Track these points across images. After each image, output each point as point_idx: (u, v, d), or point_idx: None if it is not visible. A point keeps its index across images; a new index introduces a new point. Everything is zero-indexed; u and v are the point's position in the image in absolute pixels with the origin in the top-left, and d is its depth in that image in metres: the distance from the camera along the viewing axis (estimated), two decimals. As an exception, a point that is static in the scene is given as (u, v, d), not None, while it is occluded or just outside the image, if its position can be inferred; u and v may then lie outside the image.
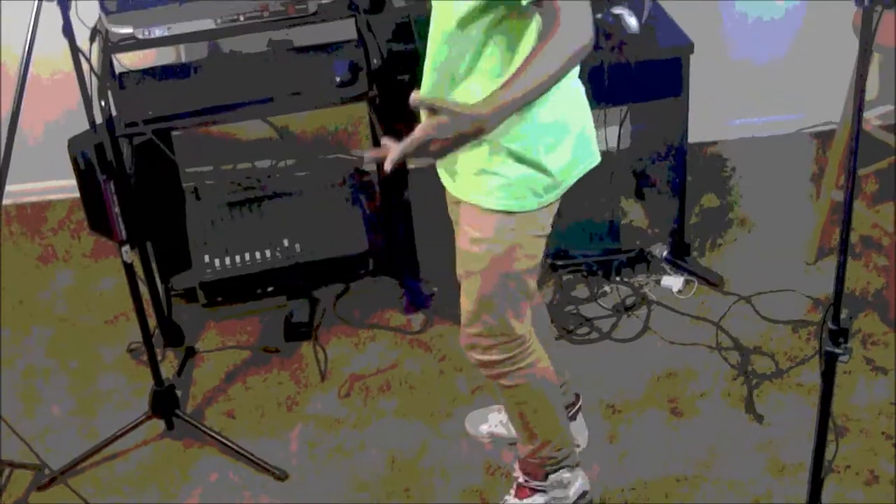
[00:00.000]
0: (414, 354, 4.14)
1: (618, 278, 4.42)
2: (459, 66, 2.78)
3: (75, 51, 3.13)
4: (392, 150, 2.45)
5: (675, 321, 4.22)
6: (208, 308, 4.30)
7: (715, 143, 5.10)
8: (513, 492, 3.51)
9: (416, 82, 2.94)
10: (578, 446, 3.71)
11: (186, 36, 3.89)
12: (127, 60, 4.13)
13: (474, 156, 2.88)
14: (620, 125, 4.73)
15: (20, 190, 4.70)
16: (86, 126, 3.35)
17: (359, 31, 4.08)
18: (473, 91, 2.76)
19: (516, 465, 3.50)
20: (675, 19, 4.19)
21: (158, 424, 3.84)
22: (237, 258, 4.18)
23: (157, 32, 3.84)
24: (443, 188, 3.12)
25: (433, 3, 2.76)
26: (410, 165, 4.01)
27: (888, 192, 4.49)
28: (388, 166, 2.44)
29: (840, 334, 2.57)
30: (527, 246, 3.03)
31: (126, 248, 3.50)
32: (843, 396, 3.81)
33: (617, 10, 4.05)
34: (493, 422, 3.78)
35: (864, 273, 4.34)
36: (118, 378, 4.15)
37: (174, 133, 4.31)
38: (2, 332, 4.35)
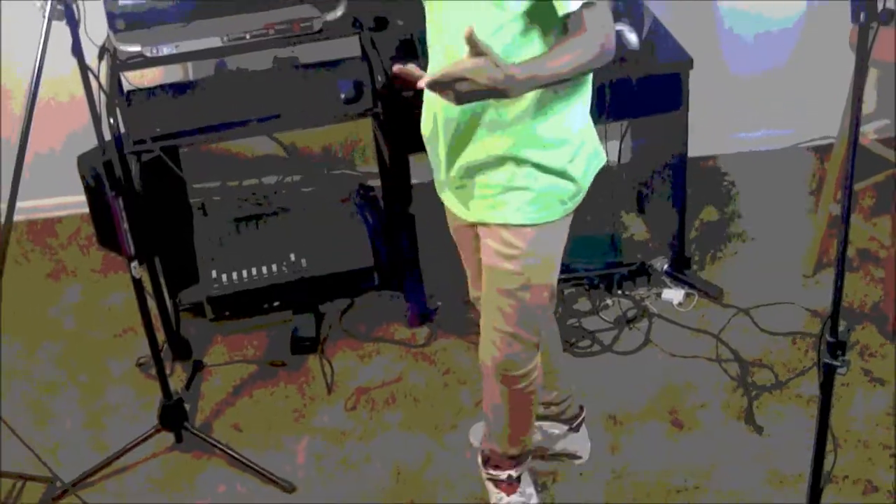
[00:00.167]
0: (418, 367, 4.14)
1: (619, 291, 4.42)
2: None
3: (84, 69, 3.13)
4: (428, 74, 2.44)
5: (676, 334, 4.22)
6: (216, 322, 4.31)
7: (714, 157, 5.11)
8: (502, 492, 3.51)
9: (419, 99, 2.94)
10: (580, 458, 3.72)
11: (193, 54, 3.91)
12: (135, 78, 4.14)
13: (499, 175, 2.89)
14: (621, 140, 4.74)
15: (30, 206, 4.71)
16: (95, 143, 3.36)
17: (363, 48, 4.10)
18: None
19: (501, 469, 3.50)
20: (674, 35, 4.19)
21: (167, 437, 3.84)
22: (244, 273, 4.19)
23: (165, 50, 3.86)
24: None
25: (449, 11, 2.72)
26: (414, 181, 4.02)
27: (885, 206, 4.49)
28: (422, 83, 2.43)
29: (838, 346, 2.57)
30: (558, 255, 3.07)
31: (135, 263, 3.51)
32: (842, 408, 3.81)
33: (618, 27, 4.05)
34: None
35: (861, 286, 4.34)
36: (127, 392, 4.15)
37: (182, 150, 4.31)
38: (13, 346, 4.36)
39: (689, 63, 4.05)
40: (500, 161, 2.87)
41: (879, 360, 4.01)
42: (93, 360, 4.31)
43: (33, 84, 2.84)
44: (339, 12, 3.92)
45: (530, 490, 3.54)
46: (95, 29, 3.46)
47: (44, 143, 4.04)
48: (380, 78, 3.92)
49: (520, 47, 2.69)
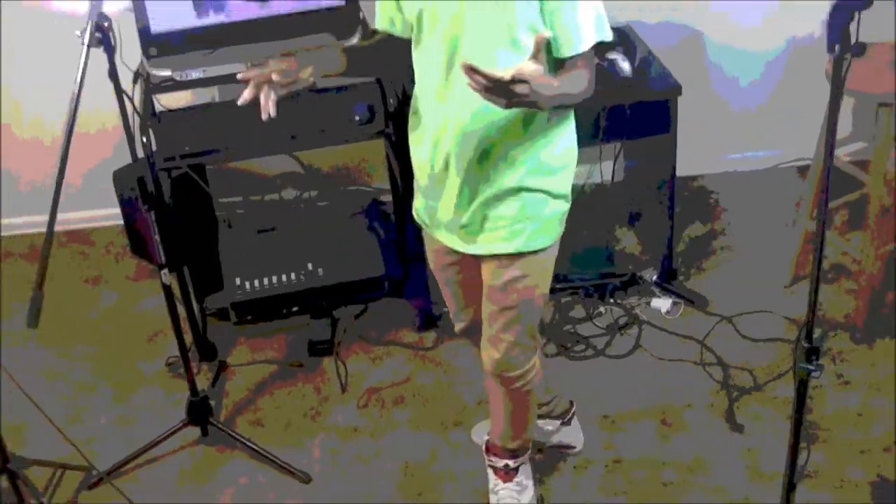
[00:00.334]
0: (426, 369, 4.14)
1: (611, 300, 4.42)
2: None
3: (120, 92, 3.14)
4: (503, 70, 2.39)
5: (664, 340, 4.22)
6: (239, 326, 4.31)
7: (701, 176, 5.10)
8: (499, 479, 3.52)
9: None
10: (574, 447, 3.72)
11: (220, 78, 3.91)
12: (166, 101, 4.15)
13: (510, 207, 2.88)
14: (615, 160, 4.74)
15: (70, 218, 4.72)
16: (129, 160, 3.36)
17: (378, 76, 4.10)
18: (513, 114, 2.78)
19: (499, 458, 3.51)
20: (664, 64, 4.20)
21: (194, 431, 3.85)
22: (265, 281, 4.20)
23: (194, 75, 3.87)
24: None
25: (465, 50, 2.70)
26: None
27: (858, 223, 4.49)
28: (509, 74, 2.39)
29: (813, 352, 2.58)
30: (553, 267, 3.08)
31: (165, 271, 3.51)
32: (815, 408, 3.82)
33: (612, 56, 4.07)
34: None
35: (835, 296, 4.34)
36: (157, 390, 4.16)
37: (208, 167, 4.32)
38: (53, 347, 4.36)
39: (678, 90, 4.06)
40: (511, 192, 2.87)
41: (850, 365, 4.01)
42: (126, 361, 4.32)
43: (73, 107, 2.85)
44: (354, 40, 3.93)
45: (527, 481, 3.54)
46: (130, 55, 3.48)
47: (82, 161, 4.04)
48: (391, 101, 3.93)
49: None
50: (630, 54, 4.10)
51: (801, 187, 4.51)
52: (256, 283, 4.19)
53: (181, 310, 3.94)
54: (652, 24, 4.53)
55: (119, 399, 4.13)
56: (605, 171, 4.77)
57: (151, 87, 3.90)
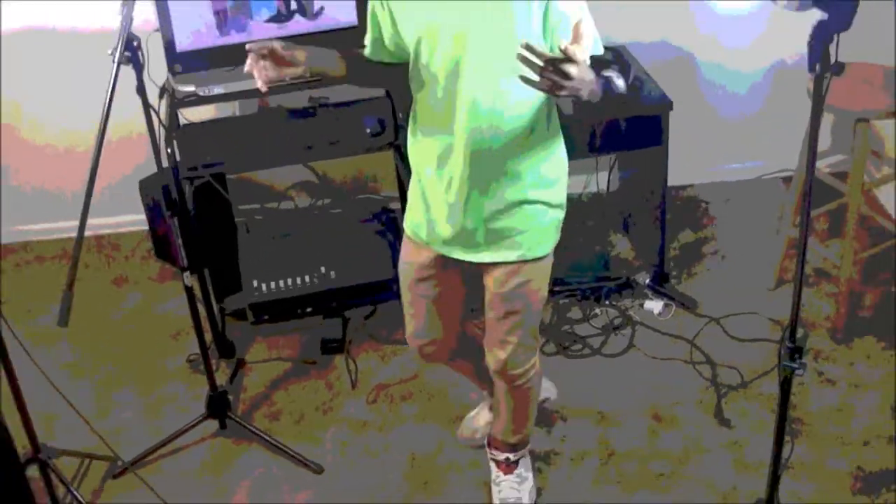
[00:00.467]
0: (432, 367, 4.12)
1: (607, 302, 4.42)
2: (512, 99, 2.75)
3: (147, 106, 3.15)
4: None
5: (656, 339, 4.22)
6: (256, 325, 4.31)
7: (691, 186, 5.11)
8: (501, 472, 3.53)
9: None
10: (549, 397, 3.82)
11: (240, 93, 3.92)
12: (189, 114, 4.17)
13: (514, 218, 2.89)
14: (610, 171, 4.75)
15: (98, 223, 4.71)
16: (154, 170, 3.38)
17: (387, 90, 4.10)
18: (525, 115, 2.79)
19: (500, 451, 3.52)
20: (657, 81, 4.21)
21: (213, 424, 3.86)
22: (281, 283, 4.21)
23: (216, 90, 3.88)
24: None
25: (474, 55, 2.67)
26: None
27: (837, 231, 4.50)
28: (582, 55, 2.39)
29: (796, 351, 2.59)
30: (551, 271, 3.08)
31: (187, 273, 3.53)
32: (798, 404, 3.82)
33: (607, 73, 4.07)
34: (480, 425, 3.77)
35: (816, 299, 4.34)
36: (179, 385, 4.17)
37: (229, 176, 4.33)
38: (81, 344, 4.37)
39: (670, 105, 4.07)
40: (515, 205, 2.87)
41: (830, 363, 4.01)
42: (150, 358, 4.33)
43: (103, 120, 2.86)
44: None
45: (527, 473, 3.55)
46: (156, 71, 3.49)
47: (111, 170, 4.04)
48: (401, 115, 3.94)
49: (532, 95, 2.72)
50: (625, 72, 4.11)
51: (784, 197, 4.52)
52: (273, 285, 4.21)
53: (202, 310, 3.95)
54: (645, 45, 4.54)
55: (143, 394, 4.14)
56: (601, 181, 4.79)
57: (176, 101, 3.92)
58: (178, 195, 3.46)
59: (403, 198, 4.38)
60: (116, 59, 2.87)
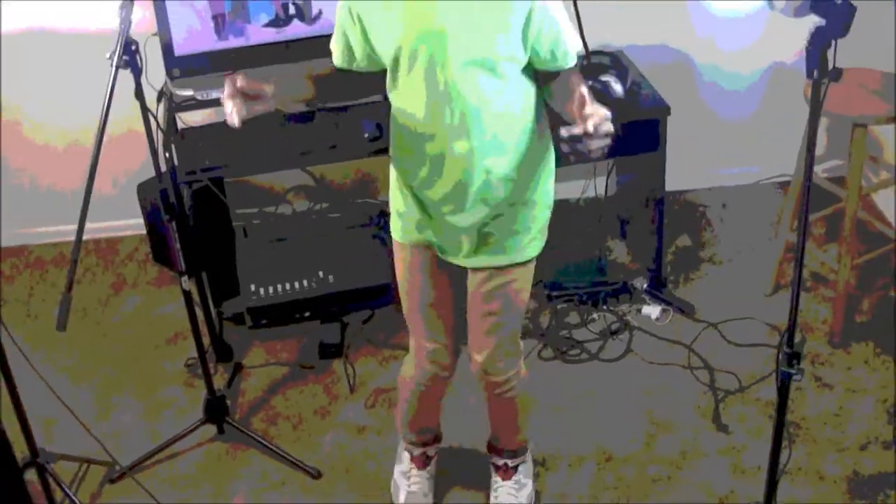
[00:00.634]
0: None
1: (604, 307, 4.42)
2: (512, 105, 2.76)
3: (145, 110, 3.15)
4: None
5: (654, 344, 4.23)
6: (254, 330, 4.31)
7: (689, 191, 5.11)
8: (499, 477, 3.53)
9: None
10: None
11: (238, 98, 3.92)
12: (188, 118, 4.17)
13: (512, 221, 2.89)
14: (608, 176, 4.75)
15: (96, 227, 4.71)
16: (152, 174, 3.38)
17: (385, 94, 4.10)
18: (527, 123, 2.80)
19: (498, 456, 3.52)
20: (655, 86, 4.21)
21: (211, 429, 3.86)
22: (279, 287, 4.21)
23: (214, 94, 3.89)
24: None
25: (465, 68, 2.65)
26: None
27: (834, 235, 4.50)
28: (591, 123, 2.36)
29: (794, 357, 2.59)
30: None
31: (185, 277, 3.52)
32: (796, 409, 3.82)
33: (605, 78, 4.08)
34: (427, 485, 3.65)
35: (813, 304, 4.34)
36: (177, 389, 4.16)
37: (226, 180, 4.33)
38: (80, 348, 4.37)
39: (667, 110, 4.08)
40: (509, 208, 2.87)
41: (827, 368, 4.02)
42: (147, 361, 4.32)
43: (101, 124, 2.85)
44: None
45: (526, 480, 3.54)
46: (154, 75, 3.49)
47: (109, 174, 4.05)
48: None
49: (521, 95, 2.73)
50: (622, 77, 4.12)
51: (781, 202, 4.52)
52: (271, 289, 4.20)
53: (200, 314, 3.95)
54: (643, 48, 4.54)
55: (141, 398, 4.13)
56: (599, 185, 4.79)
57: (174, 105, 3.92)
58: (176, 199, 3.46)
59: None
60: (115, 63, 2.87)
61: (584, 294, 4.44)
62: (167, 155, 3.69)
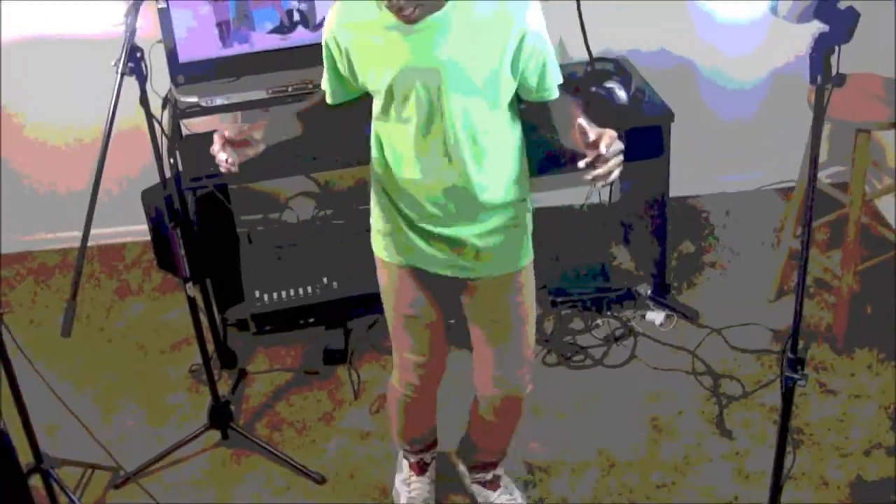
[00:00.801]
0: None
1: (608, 313, 4.42)
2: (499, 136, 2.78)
3: (150, 116, 3.16)
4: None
5: (658, 350, 4.22)
6: (258, 336, 4.32)
7: (692, 197, 5.10)
8: (490, 490, 3.53)
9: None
10: None
11: (243, 104, 3.93)
12: (192, 125, 4.17)
13: (508, 232, 2.89)
14: (611, 182, 4.74)
15: (101, 233, 4.72)
16: (157, 180, 3.39)
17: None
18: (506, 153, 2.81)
19: (489, 470, 3.52)
20: (658, 92, 4.22)
21: (215, 435, 3.86)
22: (283, 293, 4.21)
23: (218, 101, 3.89)
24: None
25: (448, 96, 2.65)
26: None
27: (837, 241, 4.50)
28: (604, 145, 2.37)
29: (798, 362, 2.59)
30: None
31: (189, 284, 3.53)
32: (799, 414, 3.82)
33: (609, 84, 4.08)
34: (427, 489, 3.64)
35: (817, 310, 4.34)
36: (181, 395, 4.16)
37: (231, 187, 4.33)
38: (84, 354, 4.37)
39: (671, 116, 4.08)
40: (502, 221, 2.88)
41: (831, 374, 4.01)
42: (152, 367, 4.32)
43: (106, 130, 2.86)
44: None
45: (507, 479, 3.55)
46: (159, 82, 3.49)
47: (113, 180, 4.05)
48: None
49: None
50: (626, 83, 4.12)
51: (784, 208, 4.52)
52: (275, 295, 4.21)
53: (204, 320, 3.96)
54: (646, 54, 4.54)
55: (145, 404, 4.13)
56: (603, 192, 4.78)
57: (179, 112, 3.92)
58: (180, 205, 3.46)
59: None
60: (120, 70, 2.87)
61: (588, 300, 4.44)
62: (172, 161, 3.69)
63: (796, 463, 3.51)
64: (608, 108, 4.03)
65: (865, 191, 3.96)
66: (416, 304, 3.07)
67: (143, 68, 2.99)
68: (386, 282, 3.11)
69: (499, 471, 3.53)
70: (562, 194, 4.85)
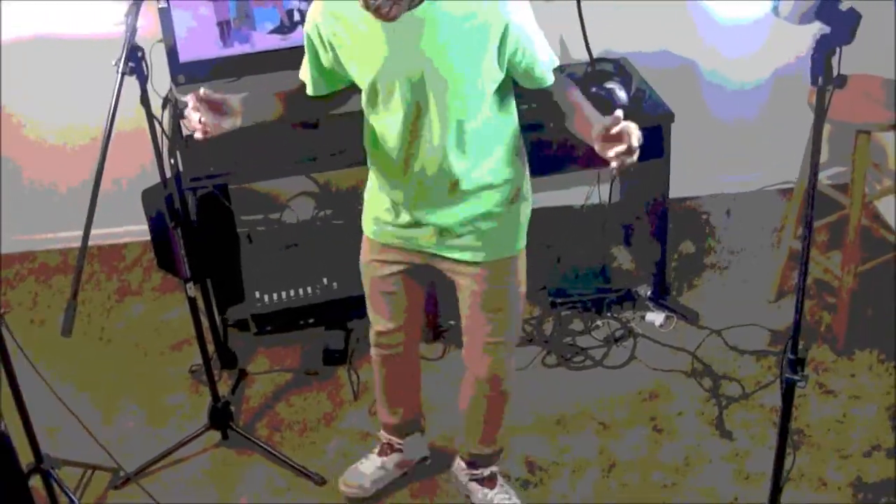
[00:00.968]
0: (432, 378, 4.13)
1: (608, 314, 4.42)
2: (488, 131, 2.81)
3: (150, 116, 3.16)
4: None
5: (657, 351, 4.22)
6: (258, 336, 4.32)
7: (693, 198, 5.11)
8: (487, 488, 3.53)
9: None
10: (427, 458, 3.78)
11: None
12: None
13: (501, 218, 2.91)
14: (611, 183, 4.74)
15: (101, 233, 4.71)
16: (157, 180, 3.39)
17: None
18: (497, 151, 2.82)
19: (484, 467, 3.52)
20: (658, 93, 4.21)
21: (215, 435, 3.86)
22: (283, 294, 4.21)
23: (219, 102, 3.88)
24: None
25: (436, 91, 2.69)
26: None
27: (837, 242, 4.50)
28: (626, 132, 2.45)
29: (797, 363, 2.59)
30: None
31: (189, 284, 3.53)
32: (799, 415, 3.81)
33: (609, 85, 4.07)
34: (368, 473, 3.67)
35: (816, 311, 4.34)
36: (181, 395, 4.16)
37: (231, 187, 4.33)
38: (85, 354, 4.36)
39: (671, 117, 4.08)
40: (495, 208, 2.90)
41: (831, 374, 4.01)
42: (152, 368, 4.32)
43: (107, 130, 2.86)
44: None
45: (507, 486, 3.56)
46: (159, 82, 3.49)
47: (114, 180, 4.05)
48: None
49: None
50: (626, 84, 4.11)
51: (784, 209, 4.51)
52: (275, 296, 4.21)
53: (204, 320, 3.96)
54: (646, 55, 4.54)
55: (145, 404, 4.13)
56: (603, 192, 4.78)
57: (179, 112, 3.91)
58: (181, 205, 3.46)
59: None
60: (120, 70, 2.87)
61: (587, 301, 4.44)
62: (172, 161, 3.69)
63: (796, 464, 3.51)
64: (609, 109, 4.02)
65: (865, 192, 3.95)
66: (390, 278, 3.16)
67: (144, 68, 2.99)
68: (367, 254, 3.19)
69: (495, 468, 3.52)
70: (562, 194, 4.85)
